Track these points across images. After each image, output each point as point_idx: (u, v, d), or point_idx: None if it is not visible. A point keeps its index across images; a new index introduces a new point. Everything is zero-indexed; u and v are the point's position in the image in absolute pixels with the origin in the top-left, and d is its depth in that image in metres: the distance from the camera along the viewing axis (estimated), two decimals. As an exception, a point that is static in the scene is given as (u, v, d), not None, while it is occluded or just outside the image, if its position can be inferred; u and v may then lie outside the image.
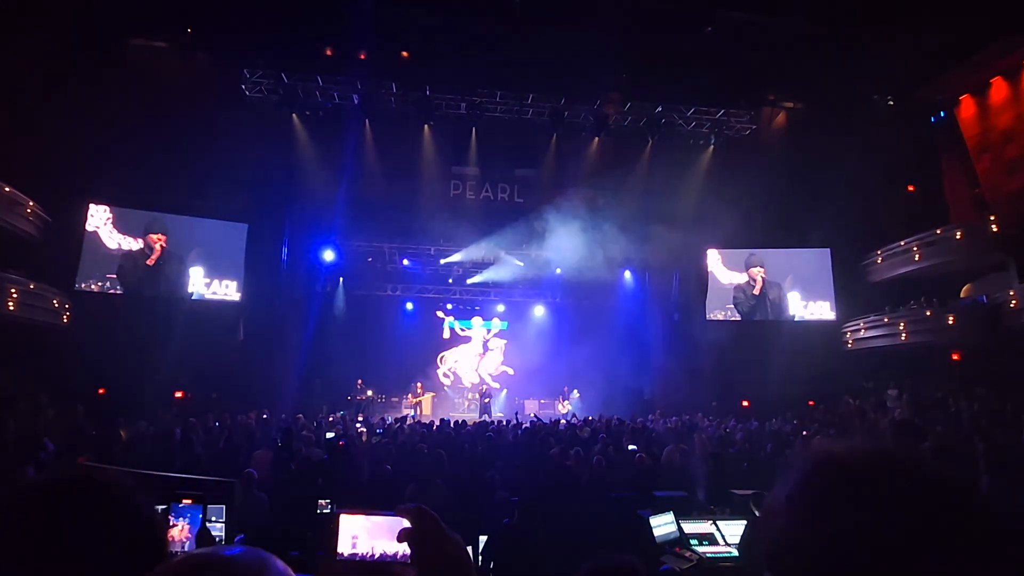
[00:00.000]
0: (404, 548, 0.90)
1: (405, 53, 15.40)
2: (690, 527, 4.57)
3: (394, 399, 18.73)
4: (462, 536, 0.91)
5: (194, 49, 15.02)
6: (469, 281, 19.94)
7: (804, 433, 9.80)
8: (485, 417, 16.19)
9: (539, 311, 20.65)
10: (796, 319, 17.58)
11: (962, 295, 15.39)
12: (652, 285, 19.40)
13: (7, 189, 11.92)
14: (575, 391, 18.71)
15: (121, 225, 14.95)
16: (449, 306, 20.59)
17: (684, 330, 17.94)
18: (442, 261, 19.22)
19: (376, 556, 0.97)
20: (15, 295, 11.90)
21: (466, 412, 18.26)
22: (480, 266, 19.49)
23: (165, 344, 13.42)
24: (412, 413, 17.18)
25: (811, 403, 15.03)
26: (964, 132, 15.12)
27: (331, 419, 13.13)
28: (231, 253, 16.00)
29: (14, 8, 10.98)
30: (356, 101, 16.73)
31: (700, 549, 4.36)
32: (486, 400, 17.96)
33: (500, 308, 20.83)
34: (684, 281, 18.78)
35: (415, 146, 17.42)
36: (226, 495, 4.50)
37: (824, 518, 0.59)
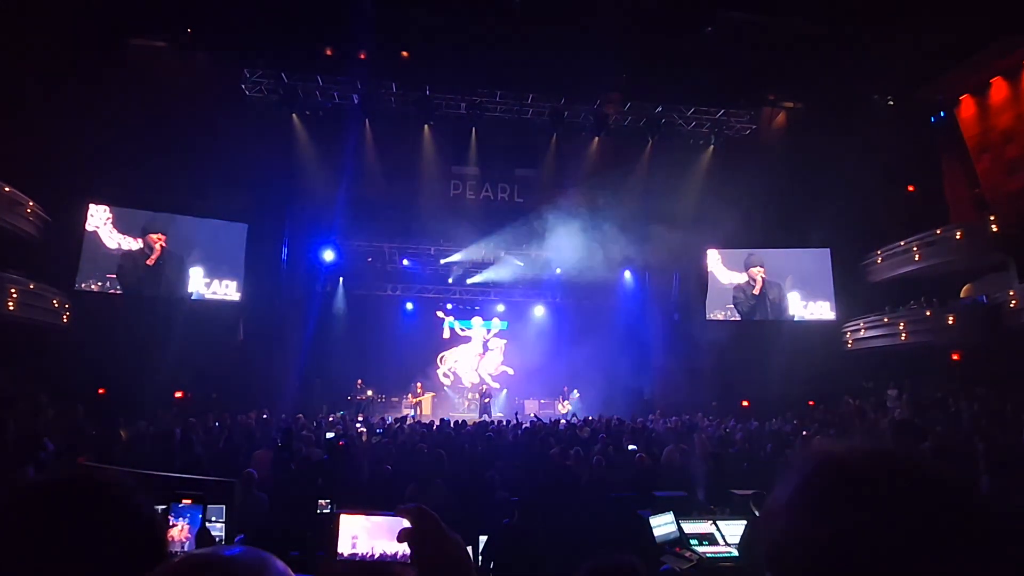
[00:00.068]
0: (404, 548, 0.90)
1: (405, 53, 15.40)
2: (690, 527, 4.57)
3: (394, 399, 18.73)
4: (462, 536, 0.91)
5: (194, 49, 15.01)
6: (469, 281, 19.94)
7: (804, 433, 9.80)
8: (485, 417, 16.19)
9: (539, 311, 20.65)
10: (796, 319, 17.58)
11: (962, 295, 15.39)
12: (652, 285, 19.39)
13: (7, 189, 11.92)
14: (575, 391, 18.71)
15: (121, 225, 14.95)
16: (449, 306, 20.60)
17: (684, 330, 17.95)
18: (442, 261, 19.23)
19: (376, 556, 0.97)
20: (15, 295, 11.90)
21: (466, 412, 18.27)
22: (480, 266, 19.50)
23: (165, 344, 13.42)
24: (412, 413, 17.18)
25: (811, 403, 15.03)
26: (964, 132, 15.12)
27: (331, 419, 13.13)
28: (231, 253, 16.00)
29: (14, 8, 10.98)
30: (356, 101, 16.73)
31: (700, 549, 4.36)
32: (486, 400, 17.97)
33: (500, 308, 20.83)
34: (684, 281, 18.78)
35: (415, 146, 17.42)
36: (226, 495, 4.50)
37: (824, 518, 0.59)
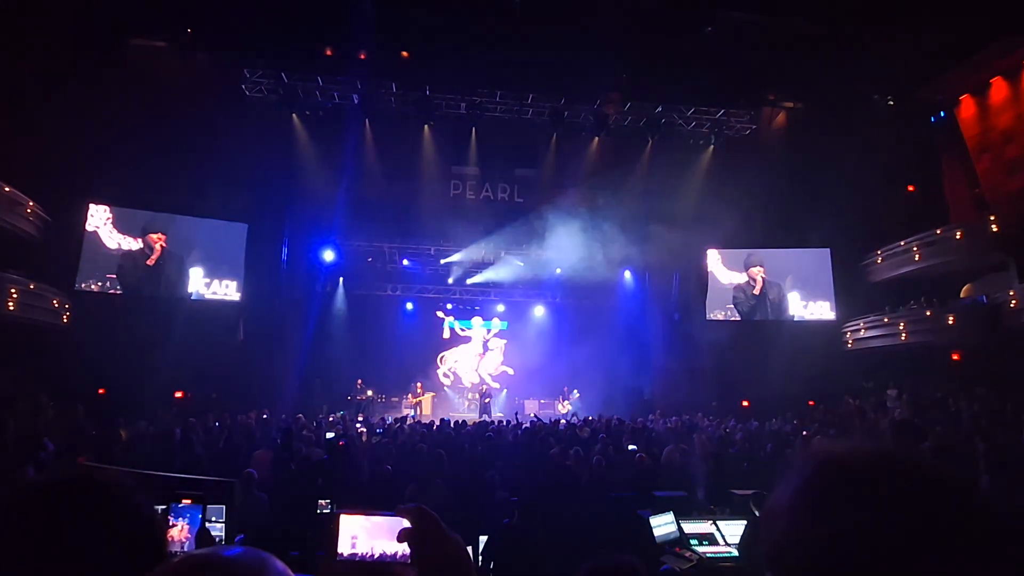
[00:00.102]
0: (404, 548, 0.90)
1: (405, 53, 15.39)
2: (690, 527, 4.57)
3: (394, 399, 18.74)
4: (462, 536, 0.91)
5: (194, 49, 15.01)
6: (469, 281, 19.94)
7: (804, 433, 9.79)
8: (485, 417, 16.19)
9: (539, 311, 20.65)
10: (796, 319, 17.58)
11: (962, 295, 15.39)
12: (652, 285, 19.40)
13: (7, 189, 11.92)
14: (575, 391, 18.71)
15: (121, 225, 14.96)
16: (449, 306, 20.60)
17: (684, 330, 17.95)
18: (442, 261, 19.24)
19: (376, 556, 0.97)
20: (15, 295, 11.90)
21: (466, 412, 18.27)
22: (480, 266, 19.50)
23: (165, 344, 13.42)
24: (412, 413, 17.18)
25: (811, 403, 15.03)
26: (964, 132, 15.11)
27: (331, 419, 13.13)
28: (231, 253, 16.01)
29: (14, 8, 10.98)
30: (356, 101, 16.73)
31: (700, 549, 4.36)
32: (486, 400, 17.97)
33: (500, 308, 20.83)
34: (684, 281, 18.78)
35: (415, 146, 17.42)
36: (226, 495, 4.50)
37: (824, 518, 0.59)
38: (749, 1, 13.69)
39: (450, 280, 19.95)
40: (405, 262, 19.49)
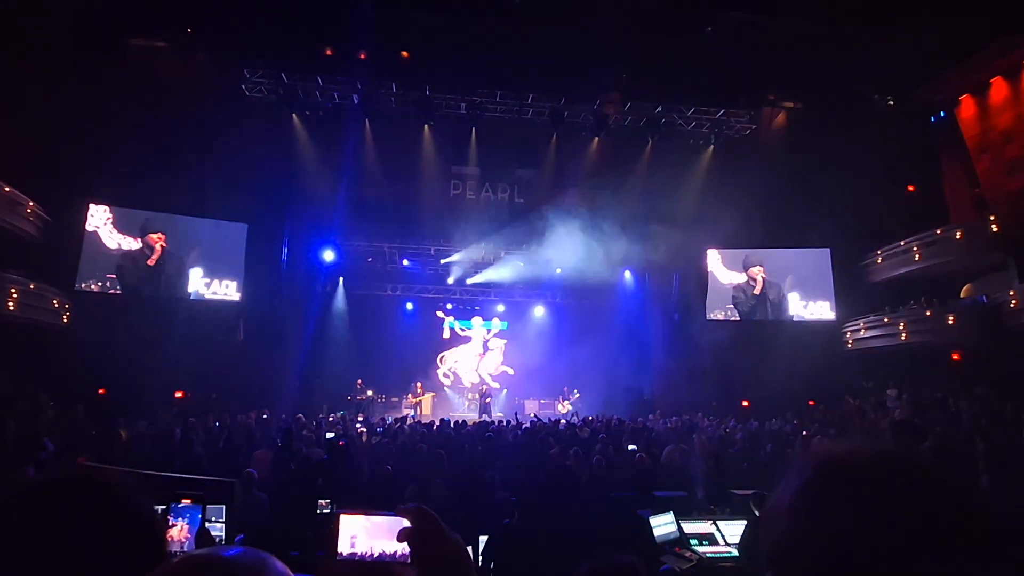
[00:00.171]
0: (404, 548, 0.90)
1: (405, 53, 15.39)
2: (690, 527, 4.57)
3: (394, 399, 18.74)
4: (462, 536, 0.91)
5: (194, 49, 15.01)
6: (469, 281, 19.94)
7: (804, 433, 9.79)
8: (485, 417, 16.19)
9: (539, 311, 20.66)
10: (796, 319, 17.58)
11: (962, 295, 15.39)
12: (652, 285, 19.40)
13: (7, 189, 11.92)
14: (576, 391, 18.72)
15: (121, 225, 14.96)
16: (449, 306, 20.60)
17: (684, 330, 17.95)
18: (442, 261, 19.24)
19: (376, 556, 0.97)
20: (15, 295, 11.90)
21: (466, 412, 18.27)
22: (480, 266, 19.50)
23: (165, 344, 13.42)
24: (412, 413, 17.18)
25: (811, 403, 15.03)
26: (964, 132, 15.11)
27: (331, 419, 13.13)
28: (231, 253, 16.01)
29: (14, 8, 10.98)
30: (356, 101, 16.73)
31: (700, 549, 4.36)
32: (487, 400, 17.97)
33: (500, 308, 20.84)
34: (684, 281, 18.78)
35: (415, 146, 17.43)
36: (226, 495, 4.50)
37: (825, 518, 0.59)
38: (749, 1, 13.70)
39: (450, 280, 19.94)
40: (405, 262, 19.50)
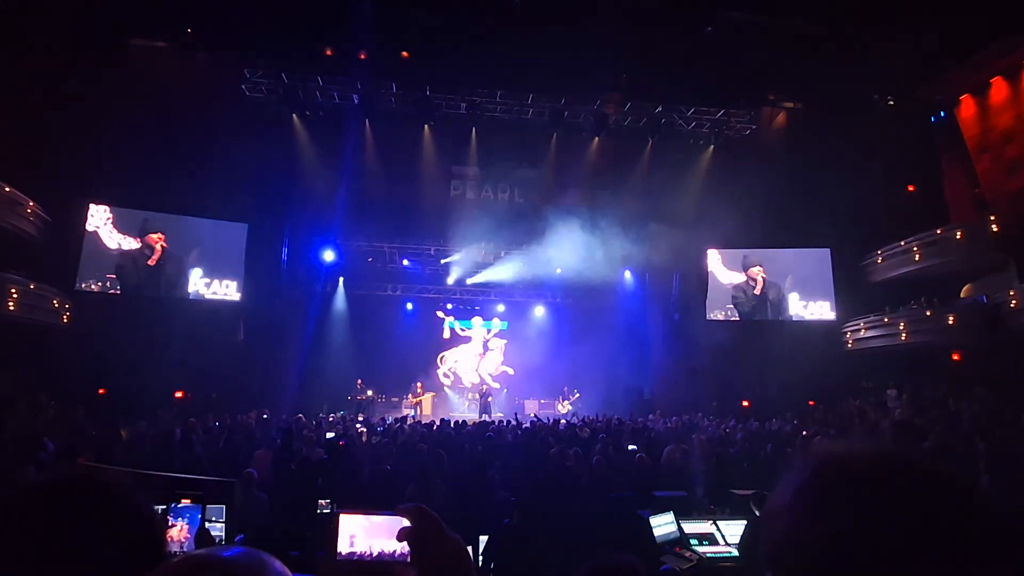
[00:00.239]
0: (404, 548, 0.90)
1: (405, 53, 15.39)
2: (690, 527, 4.57)
3: (394, 399, 18.75)
4: (462, 536, 0.90)
5: (194, 49, 15.00)
6: (469, 281, 19.94)
7: (804, 433, 9.80)
8: (485, 417, 16.19)
9: (539, 311, 20.66)
10: (796, 319, 17.57)
11: (962, 295, 15.38)
12: (652, 285, 19.39)
13: (7, 189, 11.92)
14: (576, 392, 18.72)
15: (121, 225, 14.96)
16: (449, 306, 20.61)
17: (684, 330, 17.94)
18: (442, 261, 19.24)
19: (376, 556, 0.97)
20: (15, 295, 11.90)
21: (466, 412, 18.27)
22: (480, 266, 19.50)
23: (165, 344, 13.43)
24: (412, 413, 17.19)
25: (811, 403, 15.04)
26: (964, 132, 15.10)
27: (331, 419, 13.13)
28: (231, 253, 16.01)
29: (14, 8, 10.98)
30: (356, 101, 16.73)
31: (700, 549, 4.36)
32: (488, 399, 17.98)
33: (500, 308, 20.84)
34: (684, 281, 18.77)
35: (415, 146, 17.42)
36: (226, 495, 4.49)
37: (825, 518, 0.59)
38: (749, 1, 13.69)
39: (450, 280, 19.94)
40: (405, 262, 19.50)
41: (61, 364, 12.32)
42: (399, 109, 17.29)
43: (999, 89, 14.04)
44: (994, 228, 14.00)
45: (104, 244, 14.73)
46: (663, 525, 4.53)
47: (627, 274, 19.45)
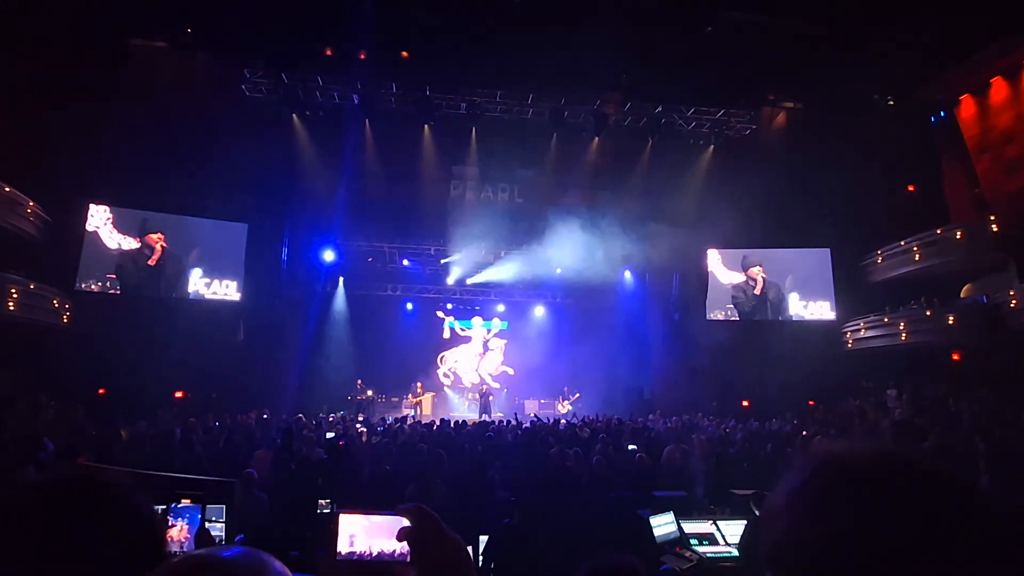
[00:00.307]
0: (404, 547, 0.90)
1: (405, 53, 15.39)
2: (690, 527, 4.57)
3: (394, 399, 18.75)
4: (462, 536, 0.90)
5: (194, 49, 15.00)
6: (469, 281, 19.94)
7: (804, 433, 9.80)
8: (485, 417, 16.20)
9: (539, 311, 20.67)
10: (796, 319, 17.57)
11: (962, 295, 15.38)
12: (652, 285, 19.40)
13: (7, 189, 11.92)
14: (576, 393, 18.73)
15: (121, 225, 14.96)
16: (449, 306, 20.61)
17: (684, 330, 17.94)
18: (442, 261, 19.24)
19: (376, 556, 0.97)
20: (15, 295, 11.90)
21: (466, 412, 18.27)
22: (480, 266, 19.49)
23: (165, 344, 13.42)
24: (412, 413, 17.19)
25: (811, 403, 15.03)
26: (964, 132, 15.11)
27: (331, 419, 13.14)
28: (231, 253, 16.01)
29: (14, 8, 10.98)
30: (356, 101, 16.73)
31: (700, 549, 4.36)
32: (489, 399, 17.98)
33: (500, 308, 20.84)
34: (684, 281, 18.78)
35: (415, 146, 17.42)
36: (226, 495, 4.49)
37: (825, 518, 0.59)
38: (749, 1, 13.69)
39: (450, 280, 19.94)
40: (405, 262, 19.51)
41: (61, 364, 12.32)
42: (399, 109, 17.29)
43: (999, 89, 14.04)
44: (994, 228, 14.00)
45: (104, 244, 14.73)
46: (663, 525, 4.53)
47: (627, 274, 19.46)
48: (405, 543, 0.88)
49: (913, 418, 11.18)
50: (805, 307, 17.60)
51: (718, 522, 4.63)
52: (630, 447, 8.56)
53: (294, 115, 16.71)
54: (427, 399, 18.73)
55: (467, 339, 20.85)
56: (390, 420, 13.15)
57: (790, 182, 16.45)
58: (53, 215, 13.47)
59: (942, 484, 0.58)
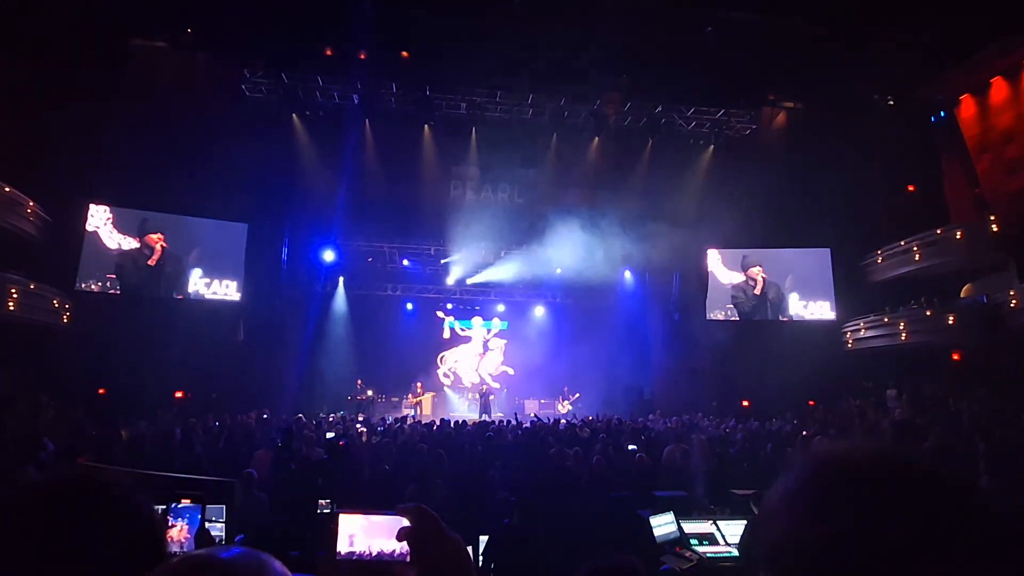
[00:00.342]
0: (404, 547, 0.90)
1: (405, 53, 15.40)
2: (690, 527, 4.57)
3: (394, 399, 18.75)
4: (462, 536, 0.90)
5: (194, 49, 15.01)
6: (469, 281, 19.94)
7: (804, 433, 9.80)
8: (485, 417, 16.20)
9: (539, 311, 20.67)
10: (796, 319, 17.57)
11: (962, 295, 15.38)
12: (652, 285, 19.40)
13: (7, 189, 11.92)
14: (576, 394, 18.73)
15: (121, 225, 14.96)
16: (449, 306, 20.61)
17: (684, 330, 17.95)
18: (442, 261, 19.24)
19: (376, 556, 0.97)
20: (15, 295, 11.90)
21: (466, 412, 18.27)
22: (480, 266, 19.49)
23: (165, 344, 13.41)
24: (412, 413, 17.19)
25: (811, 403, 15.03)
26: (964, 132, 15.10)
27: (331, 419, 13.14)
28: (231, 253, 16.01)
29: (14, 8, 10.98)
30: (356, 101, 16.73)
31: (700, 549, 4.36)
32: (490, 398, 17.98)
33: (500, 308, 20.84)
34: (684, 281, 18.78)
35: (415, 146, 17.42)
36: (226, 495, 4.49)
37: (824, 518, 0.58)
38: (749, 1, 13.69)
39: (450, 280, 19.94)
40: (405, 262, 19.51)
41: (61, 364, 12.32)
42: (399, 109, 17.29)
43: (999, 89, 14.04)
44: (994, 228, 14.00)
45: (104, 244, 14.73)
46: (663, 525, 4.53)
47: (627, 274, 19.46)
48: (405, 543, 0.88)
49: (913, 418, 11.19)
50: (805, 307, 17.60)
51: (718, 522, 4.63)
52: (630, 447, 8.56)
53: (294, 115, 16.71)
54: (427, 399, 18.73)
55: (467, 339, 20.85)
56: (390, 420, 13.15)
57: (790, 182, 16.45)
58: (53, 215, 13.47)
59: (942, 484, 0.58)
